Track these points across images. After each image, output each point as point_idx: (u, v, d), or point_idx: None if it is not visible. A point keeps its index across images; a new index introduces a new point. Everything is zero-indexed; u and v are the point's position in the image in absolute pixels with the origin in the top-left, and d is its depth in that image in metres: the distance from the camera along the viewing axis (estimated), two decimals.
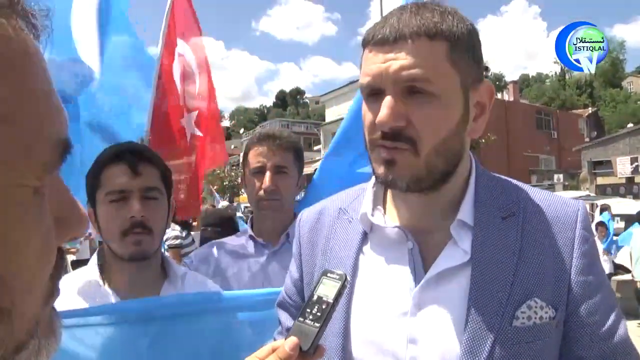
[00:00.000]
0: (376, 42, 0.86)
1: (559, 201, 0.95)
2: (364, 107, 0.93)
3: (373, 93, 0.88)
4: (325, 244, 1.04)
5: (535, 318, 0.85)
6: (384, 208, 1.01)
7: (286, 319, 1.11)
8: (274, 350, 0.74)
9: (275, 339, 1.12)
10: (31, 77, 0.36)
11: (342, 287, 0.78)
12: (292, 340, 0.73)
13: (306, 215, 1.13)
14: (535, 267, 0.87)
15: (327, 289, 0.78)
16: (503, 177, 1.01)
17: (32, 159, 0.36)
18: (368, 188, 1.03)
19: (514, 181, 1.00)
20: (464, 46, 0.86)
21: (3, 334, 0.35)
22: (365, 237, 0.99)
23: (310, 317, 0.75)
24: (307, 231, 1.10)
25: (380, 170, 0.89)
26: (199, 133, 3.57)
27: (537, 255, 0.88)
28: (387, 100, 0.84)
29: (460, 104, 0.88)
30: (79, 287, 1.34)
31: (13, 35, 0.35)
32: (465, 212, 0.91)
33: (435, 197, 0.92)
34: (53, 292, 0.42)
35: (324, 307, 0.76)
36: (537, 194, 0.97)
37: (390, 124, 0.84)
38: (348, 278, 0.79)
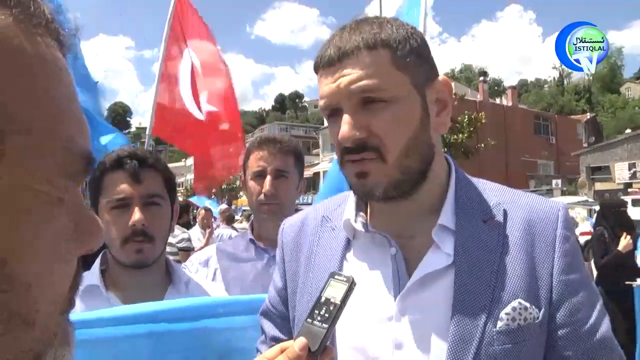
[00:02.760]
0: (324, 64, 0.90)
1: (539, 202, 0.96)
2: (329, 128, 0.95)
3: (333, 114, 0.92)
4: (309, 253, 1.04)
5: (520, 319, 0.85)
6: (367, 215, 1.02)
7: (270, 328, 1.10)
8: (282, 351, 0.76)
9: (257, 349, 1.11)
10: (63, 93, 0.38)
11: (349, 289, 0.79)
12: (302, 340, 0.75)
13: (289, 224, 1.14)
14: (518, 269, 0.88)
15: (334, 291, 0.79)
16: (482, 180, 1.02)
17: (61, 171, 0.37)
18: (350, 195, 1.03)
19: (494, 184, 1.02)
20: (407, 49, 0.89)
21: (27, 343, 0.36)
22: (348, 244, 1.00)
23: (319, 318, 0.77)
24: (290, 240, 1.10)
25: (354, 182, 0.93)
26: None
27: (519, 257, 0.89)
28: (345, 117, 0.88)
29: (417, 103, 0.90)
30: (81, 291, 1.33)
31: (47, 52, 0.37)
32: (446, 217, 0.92)
33: (416, 201, 0.94)
34: (70, 302, 0.42)
35: (331, 308, 0.78)
36: (518, 196, 0.98)
37: (352, 138, 0.87)
38: (355, 281, 0.80)
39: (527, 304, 0.86)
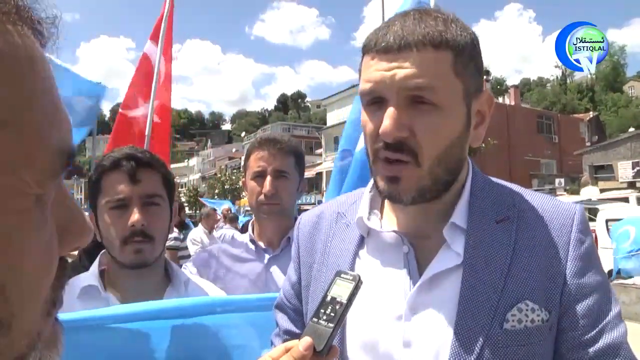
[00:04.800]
0: (379, 49, 0.84)
1: (555, 205, 0.95)
2: (364, 115, 0.91)
3: (374, 101, 0.87)
4: (323, 248, 1.04)
5: (527, 321, 0.84)
6: (381, 212, 1.01)
7: (284, 321, 1.11)
8: (287, 351, 0.75)
9: (272, 341, 1.13)
10: (35, 83, 0.36)
11: (356, 288, 0.78)
12: (307, 340, 0.74)
13: (305, 219, 1.13)
14: (529, 270, 0.87)
15: (340, 290, 0.79)
16: (499, 180, 1.01)
17: (33, 166, 0.35)
18: (365, 192, 1.03)
19: (510, 185, 1.00)
20: (468, 56, 0.85)
21: (2, 346, 0.35)
22: (362, 241, 0.99)
23: (324, 317, 0.76)
24: (305, 234, 1.10)
25: (384, 186, 0.89)
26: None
27: (531, 259, 0.87)
28: (391, 110, 0.83)
29: (463, 113, 0.87)
30: (79, 292, 1.33)
31: (19, 41, 0.35)
32: (459, 215, 0.91)
33: (434, 204, 0.92)
34: (55, 303, 0.40)
35: (337, 307, 0.77)
36: (533, 198, 0.96)
37: (394, 135, 0.83)
38: (362, 280, 0.79)
39: (536, 306, 0.85)
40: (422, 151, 0.85)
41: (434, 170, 0.86)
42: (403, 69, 0.82)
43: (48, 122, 0.37)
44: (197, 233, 7.29)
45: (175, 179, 1.55)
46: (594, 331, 0.86)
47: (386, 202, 1.01)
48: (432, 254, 0.91)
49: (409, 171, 0.86)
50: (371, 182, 1.01)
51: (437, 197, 0.90)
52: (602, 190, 24.96)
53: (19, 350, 0.36)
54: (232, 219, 9.31)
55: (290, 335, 1.07)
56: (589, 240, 0.92)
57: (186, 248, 5.87)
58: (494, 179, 1.00)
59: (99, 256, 1.43)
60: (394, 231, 0.95)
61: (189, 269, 1.85)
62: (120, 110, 4.07)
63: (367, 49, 0.88)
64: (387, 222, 0.99)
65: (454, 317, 0.85)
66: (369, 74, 0.86)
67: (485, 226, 0.91)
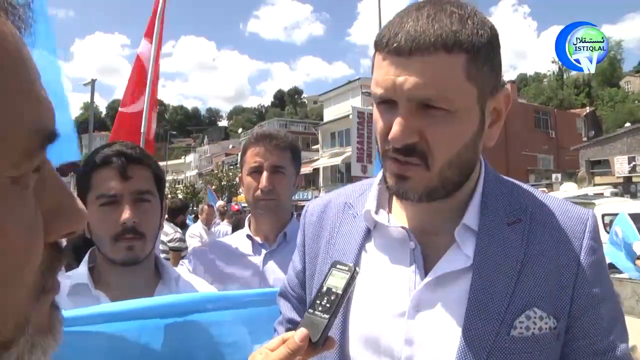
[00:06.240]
0: (390, 50, 0.81)
1: (568, 209, 0.93)
2: (376, 112, 0.89)
3: (384, 101, 0.86)
4: (329, 238, 1.03)
5: (534, 328, 0.83)
6: (389, 206, 1.00)
7: (287, 310, 1.11)
8: (284, 342, 0.75)
9: (275, 329, 1.13)
10: (7, 68, 0.34)
11: (351, 278, 0.78)
12: (302, 331, 0.74)
13: (312, 207, 1.12)
14: (538, 277, 0.85)
15: (336, 281, 0.79)
16: (513, 180, 0.99)
17: (6, 148, 0.34)
18: (374, 184, 1.01)
19: (524, 185, 0.98)
20: (483, 57, 0.81)
21: None
22: (368, 234, 0.98)
23: (320, 308, 0.76)
24: (312, 223, 1.09)
25: (392, 182, 0.89)
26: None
27: (541, 264, 0.86)
28: (400, 117, 0.82)
29: (477, 116, 0.85)
30: (69, 290, 1.30)
31: None
32: (471, 217, 0.90)
33: (444, 202, 0.91)
34: (45, 287, 0.39)
35: (333, 298, 0.77)
36: (546, 201, 0.94)
37: (403, 142, 0.82)
38: (357, 270, 0.79)
39: (544, 313, 0.84)
40: (432, 155, 0.83)
41: (444, 173, 0.85)
42: (412, 77, 0.79)
43: (20, 104, 0.35)
44: (197, 228, 7.31)
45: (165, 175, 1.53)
46: (606, 341, 0.85)
47: (395, 196, 0.99)
48: (440, 252, 0.90)
49: (417, 172, 0.85)
50: (380, 173, 1.00)
51: (446, 197, 0.89)
52: (596, 185, 25.03)
53: (5, 334, 0.36)
54: (229, 216, 9.31)
55: (292, 324, 1.08)
56: (601, 248, 0.90)
57: (186, 248, 5.86)
58: (506, 178, 0.99)
59: (88, 253, 1.41)
60: (402, 226, 0.93)
61: (185, 266, 1.85)
62: (119, 109, 4.12)
63: (378, 46, 0.85)
64: (395, 217, 0.98)
65: (460, 320, 0.84)
66: (380, 77, 0.84)
67: (497, 228, 0.89)
